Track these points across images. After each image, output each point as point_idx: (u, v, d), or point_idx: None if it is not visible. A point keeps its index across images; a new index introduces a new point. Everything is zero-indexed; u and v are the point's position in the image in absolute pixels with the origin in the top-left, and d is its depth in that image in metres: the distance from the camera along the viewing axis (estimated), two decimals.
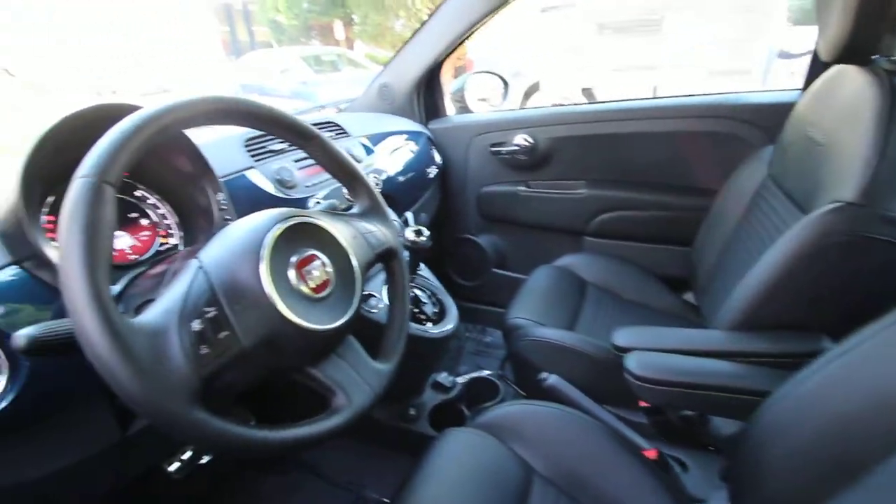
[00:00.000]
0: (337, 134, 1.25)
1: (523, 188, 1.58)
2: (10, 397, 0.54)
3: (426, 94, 1.59)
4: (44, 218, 0.64)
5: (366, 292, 0.90)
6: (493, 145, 1.55)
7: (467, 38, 1.42)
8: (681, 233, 1.34)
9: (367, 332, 0.64)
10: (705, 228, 1.21)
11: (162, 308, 0.46)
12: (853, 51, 0.79)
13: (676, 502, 0.73)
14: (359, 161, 1.18)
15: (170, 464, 0.81)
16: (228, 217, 0.76)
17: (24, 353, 0.44)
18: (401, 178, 1.33)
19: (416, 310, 1.05)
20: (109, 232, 0.43)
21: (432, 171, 1.52)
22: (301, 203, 0.96)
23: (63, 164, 0.57)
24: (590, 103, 2.94)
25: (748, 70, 4.22)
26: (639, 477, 0.75)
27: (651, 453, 0.82)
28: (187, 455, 0.83)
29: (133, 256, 0.71)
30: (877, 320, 0.52)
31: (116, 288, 0.59)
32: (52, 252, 0.58)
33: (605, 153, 1.46)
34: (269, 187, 0.94)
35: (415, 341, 0.81)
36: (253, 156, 0.96)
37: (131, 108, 0.59)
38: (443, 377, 1.24)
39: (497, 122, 1.56)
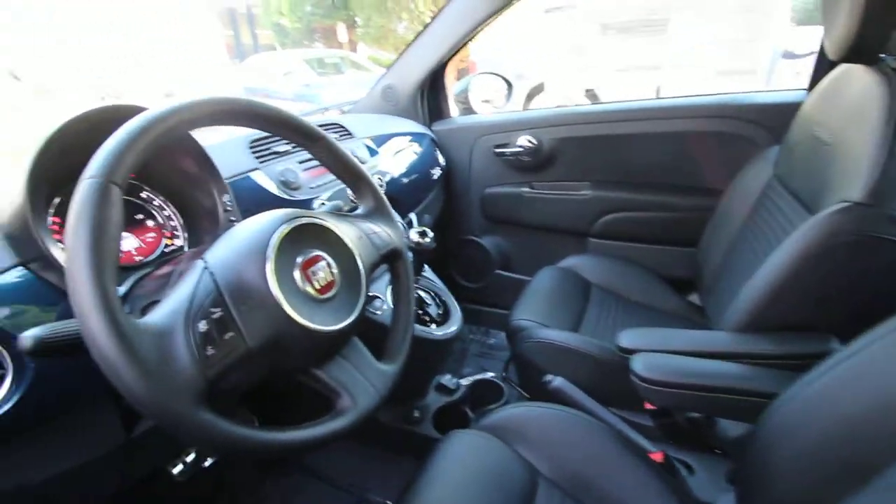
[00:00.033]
0: (341, 135, 1.25)
1: (527, 189, 1.58)
2: (15, 399, 0.54)
3: (430, 96, 1.60)
4: (50, 219, 0.64)
5: (369, 294, 0.90)
6: (497, 146, 1.55)
7: (471, 39, 1.42)
8: (685, 234, 1.34)
9: (370, 333, 0.64)
10: (710, 229, 1.21)
11: (168, 309, 0.46)
12: (860, 50, 0.79)
13: None
14: (363, 162, 1.18)
15: (173, 466, 0.81)
16: (233, 218, 0.76)
17: (31, 355, 0.44)
18: (404, 180, 1.33)
19: (420, 311, 1.05)
20: (116, 233, 0.43)
21: (436, 173, 1.52)
22: (305, 204, 0.96)
23: (69, 165, 0.57)
24: (594, 104, 2.94)
25: (753, 70, 4.22)
26: (645, 480, 0.75)
27: (657, 456, 0.81)
28: (191, 457, 0.83)
29: (138, 258, 0.72)
30: (885, 321, 0.52)
31: (122, 289, 0.59)
32: (58, 253, 0.58)
33: (609, 154, 1.46)
34: (274, 188, 0.94)
35: (419, 343, 0.81)
36: (257, 157, 0.96)
37: (137, 110, 0.59)
38: (446, 379, 1.24)
39: (501, 123, 1.56)
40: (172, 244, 0.76)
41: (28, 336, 0.44)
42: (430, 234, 0.93)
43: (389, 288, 0.98)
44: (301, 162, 1.02)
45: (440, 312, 1.09)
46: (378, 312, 0.92)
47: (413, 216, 1.27)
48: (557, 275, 1.33)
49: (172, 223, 0.77)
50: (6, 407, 0.54)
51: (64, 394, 0.60)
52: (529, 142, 1.49)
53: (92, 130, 0.57)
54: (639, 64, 4.51)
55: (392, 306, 0.74)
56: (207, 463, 0.85)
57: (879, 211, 0.71)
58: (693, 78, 4.32)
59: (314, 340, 0.52)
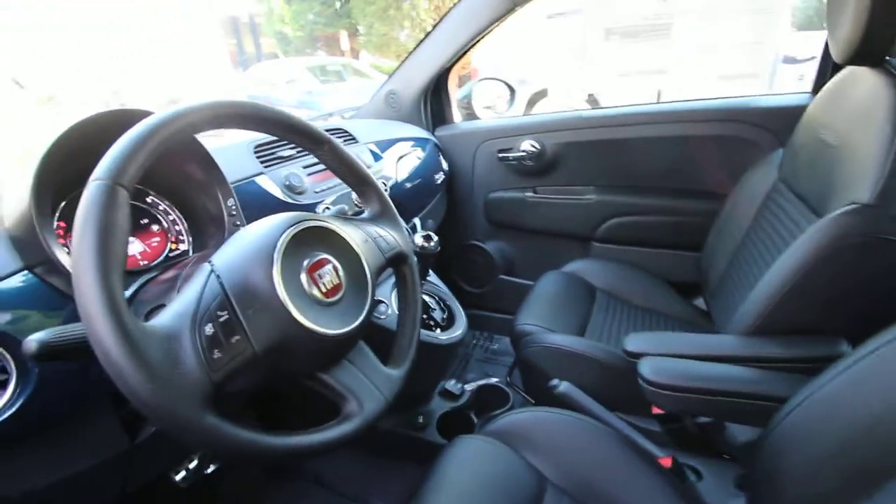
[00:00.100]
0: (345, 140, 1.25)
1: (530, 194, 1.57)
2: (18, 404, 0.54)
3: (433, 101, 1.60)
4: (55, 223, 0.64)
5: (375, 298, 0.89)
6: (501, 151, 1.55)
7: (474, 45, 1.43)
8: (690, 237, 1.33)
9: (375, 338, 0.64)
10: (715, 233, 1.20)
11: (174, 312, 0.46)
12: (865, 52, 0.79)
13: None
14: (368, 167, 1.18)
15: (176, 472, 0.81)
16: (238, 223, 0.76)
17: (36, 359, 0.43)
18: (408, 185, 1.33)
19: (424, 316, 1.05)
20: (123, 236, 0.43)
21: (439, 178, 1.52)
22: (310, 208, 0.96)
23: (75, 169, 0.57)
24: (597, 108, 2.95)
25: (756, 74, 4.23)
26: (653, 485, 0.74)
27: (665, 461, 0.80)
28: (193, 464, 0.82)
29: (143, 262, 0.71)
30: (895, 323, 0.51)
31: (127, 293, 0.59)
32: (63, 257, 0.58)
33: (612, 158, 1.46)
34: (279, 193, 0.94)
35: (424, 348, 0.81)
36: (262, 162, 0.96)
37: (143, 114, 0.59)
38: (451, 384, 1.23)
39: (504, 128, 1.56)
40: (177, 249, 0.76)
41: (33, 340, 0.43)
42: (435, 238, 0.93)
43: (394, 293, 0.98)
44: (306, 166, 1.02)
45: (445, 317, 1.08)
46: (382, 317, 0.92)
47: (417, 221, 1.27)
48: (561, 279, 1.32)
49: (177, 228, 0.77)
50: (10, 412, 0.53)
51: (67, 399, 0.59)
52: (532, 146, 1.49)
53: (97, 135, 0.58)
54: (641, 68, 4.53)
55: (396, 311, 0.74)
56: (210, 469, 0.85)
57: (887, 212, 0.71)
58: (698, 81, 4.33)
59: (320, 344, 0.51)
